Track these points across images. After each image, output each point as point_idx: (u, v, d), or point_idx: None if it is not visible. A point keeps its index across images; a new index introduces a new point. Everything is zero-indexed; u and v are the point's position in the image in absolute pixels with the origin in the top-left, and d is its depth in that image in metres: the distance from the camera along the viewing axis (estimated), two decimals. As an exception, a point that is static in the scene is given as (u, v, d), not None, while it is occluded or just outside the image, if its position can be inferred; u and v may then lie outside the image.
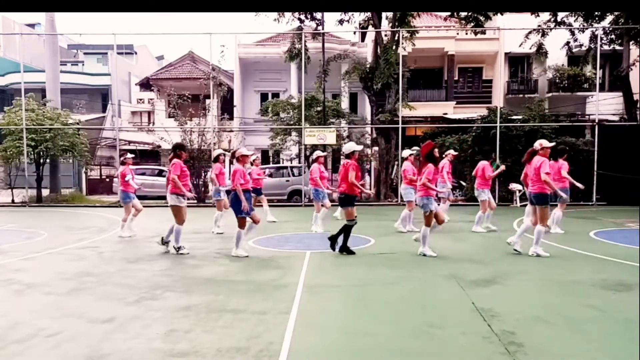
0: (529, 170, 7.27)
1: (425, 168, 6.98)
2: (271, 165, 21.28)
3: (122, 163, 9.77)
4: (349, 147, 7.36)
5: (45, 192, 17.55)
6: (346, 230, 7.13)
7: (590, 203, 15.25)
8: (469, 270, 6.07)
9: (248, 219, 6.99)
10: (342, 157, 7.50)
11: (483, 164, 9.61)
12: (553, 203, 10.65)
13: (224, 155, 9.77)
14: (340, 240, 7.21)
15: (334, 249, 7.20)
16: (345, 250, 7.14)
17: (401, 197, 9.19)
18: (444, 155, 10.70)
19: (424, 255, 6.93)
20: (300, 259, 6.81)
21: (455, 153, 11.07)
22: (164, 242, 7.46)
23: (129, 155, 9.59)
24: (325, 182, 10.07)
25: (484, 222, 9.45)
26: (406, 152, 9.59)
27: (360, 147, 7.69)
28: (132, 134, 25.64)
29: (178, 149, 7.57)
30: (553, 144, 7.34)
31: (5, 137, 16.70)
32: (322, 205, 9.73)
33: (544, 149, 7.01)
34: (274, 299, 4.84)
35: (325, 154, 8.89)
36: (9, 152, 16.30)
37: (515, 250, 7.07)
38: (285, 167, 19.08)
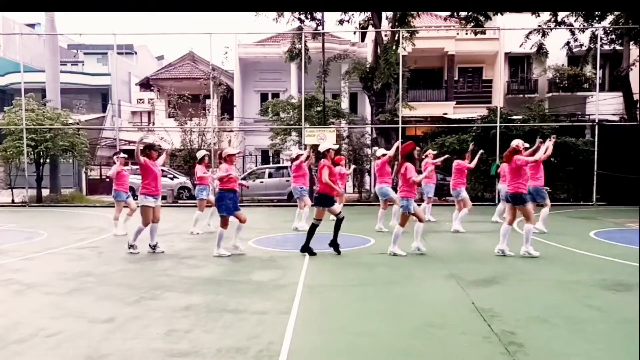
0: (506, 170, 7.36)
1: (403, 167, 6.97)
2: (271, 165, 21.29)
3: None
4: (323, 145, 7.41)
5: (45, 192, 17.54)
6: (311, 230, 7.12)
7: (590, 203, 15.24)
8: (469, 270, 6.07)
9: (232, 218, 7.02)
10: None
11: (458, 162, 9.67)
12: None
13: (207, 156, 9.84)
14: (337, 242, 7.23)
15: (339, 253, 7.17)
16: (307, 250, 7.07)
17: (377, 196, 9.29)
18: (424, 156, 10.80)
19: (394, 254, 6.94)
20: (300, 259, 6.81)
21: (435, 152, 11.18)
22: (153, 247, 7.46)
23: (122, 155, 9.75)
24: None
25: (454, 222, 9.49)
26: (381, 152, 9.72)
27: (335, 146, 7.67)
28: (132, 134, 25.64)
29: (147, 149, 7.52)
30: (527, 145, 7.40)
31: (5, 137, 16.70)
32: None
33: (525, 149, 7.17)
34: (274, 299, 4.84)
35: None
36: (9, 152, 16.29)
37: (504, 253, 7.01)
38: (285, 167, 19.06)
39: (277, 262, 6.73)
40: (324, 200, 7.08)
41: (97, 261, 6.89)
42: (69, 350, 3.55)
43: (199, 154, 9.67)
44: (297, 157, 10.10)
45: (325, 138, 16.30)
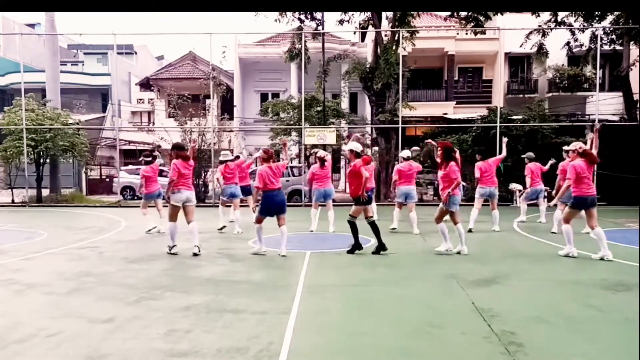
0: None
1: (447, 166, 6.95)
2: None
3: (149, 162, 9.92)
4: (353, 145, 7.39)
5: (45, 192, 17.54)
6: (353, 228, 7.26)
7: (590, 203, 15.22)
8: (469, 270, 6.07)
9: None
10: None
11: (483, 163, 9.67)
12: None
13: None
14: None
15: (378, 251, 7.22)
16: (357, 247, 7.27)
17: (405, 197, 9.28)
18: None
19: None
20: (300, 259, 6.81)
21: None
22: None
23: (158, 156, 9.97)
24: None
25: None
26: (405, 153, 9.65)
27: (358, 147, 7.63)
28: (132, 134, 25.65)
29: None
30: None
31: (5, 137, 16.69)
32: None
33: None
34: (274, 299, 4.84)
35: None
36: (9, 152, 16.28)
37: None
38: (286, 167, 19.09)
39: (277, 262, 6.73)
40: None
41: (97, 261, 6.89)
42: (69, 350, 3.55)
43: (224, 156, 9.82)
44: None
45: (325, 138, 16.33)
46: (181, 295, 4.99)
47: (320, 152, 9.94)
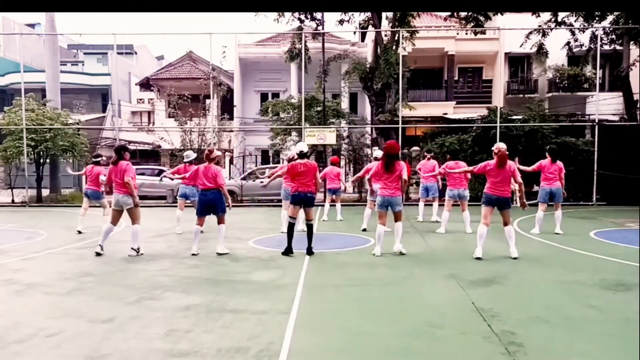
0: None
1: (398, 167, 7.00)
2: (271, 165, 21.29)
3: (97, 163, 10.03)
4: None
5: (45, 192, 17.54)
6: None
7: (590, 203, 15.24)
8: (469, 270, 6.07)
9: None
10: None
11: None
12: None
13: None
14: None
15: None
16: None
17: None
18: (427, 157, 10.93)
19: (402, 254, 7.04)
20: (300, 259, 6.81)
21: (432, 154, 11.55)
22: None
23: (103, 157, 9.97)
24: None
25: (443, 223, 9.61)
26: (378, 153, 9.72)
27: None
28: (132, 134, 25.65)
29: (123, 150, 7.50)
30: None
31: (5, 137, 16.69)
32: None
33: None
34: (274, 299, 4.84)
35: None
36: (9, 152, 16.28)
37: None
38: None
39: (277, 262, 6.73)
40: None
41: (97, 261, 6.89)
42: (69, 350, 3.55)
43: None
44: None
45: (325, 138, 16.34)
46: (181, 295, 4.99)
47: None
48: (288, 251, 7.10)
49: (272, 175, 9.07)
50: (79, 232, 9.58)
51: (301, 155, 7.21)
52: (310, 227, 7.17)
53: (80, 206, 15.99)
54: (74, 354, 3.47)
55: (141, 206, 9.96)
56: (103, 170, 9.60)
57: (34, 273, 6.10)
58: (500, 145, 6.95)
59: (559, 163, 9.15)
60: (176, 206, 9.85)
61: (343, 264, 6.65)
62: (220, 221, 7.27)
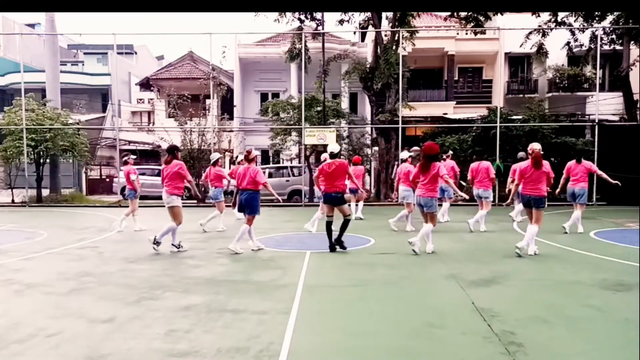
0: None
1: (434, 168, 7.04)
2: (271, 165, 21.30)
3: (125, 163, 10.20)
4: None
5: (45, 192, 17.54)
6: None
7: (590, 203, 15.19)
8: (469, 270, 6.07)
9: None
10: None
11: (486, 164, 9.80)
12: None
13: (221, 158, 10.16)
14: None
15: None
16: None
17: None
18: (444, 157, 10.92)
19: (433, 252, 7.14)
20: (300, 259, 6.81)
21: (451, 153, 11.68)
22: (156, 242, 7.48)
23: (132, 156, 10.13)
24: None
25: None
26: (404, 154, 9.70)
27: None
28: (132, 134, 25.65)
29: (176, 150, 7.96)
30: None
31: (5, 137, 16.70)
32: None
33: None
34: (274, 299, 4.84)
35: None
36: (9, 152, 16.29)
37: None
38: (286, 167, 19.11)
39: (277, 262, 6.73)
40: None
41: (97, 261, 6.89)
42: (69, 350, 3.55)
43: (213, 157, 10.18)
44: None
45: (325, 138, 16.33)
46: (181, 295, 4.99)
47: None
48: (331, 248, 7.37)
49: (315, 179, 8.85)
50: (141, 230, 9.75)
51: (332, 156, 7.49)
52: (346, 222, 7.40)
53: (80, 206, 15.99)
54: (74, 354, 3.47)
55: (142, 206, 10.00)
56: (132, 170, 9.89)
57: (34, 273, 6.10)
58: (534, 146, 6.99)
59: (585, 163, 9.37)
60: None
61: (343, 264, 6.65)
62: (248, 221, 7.47)
